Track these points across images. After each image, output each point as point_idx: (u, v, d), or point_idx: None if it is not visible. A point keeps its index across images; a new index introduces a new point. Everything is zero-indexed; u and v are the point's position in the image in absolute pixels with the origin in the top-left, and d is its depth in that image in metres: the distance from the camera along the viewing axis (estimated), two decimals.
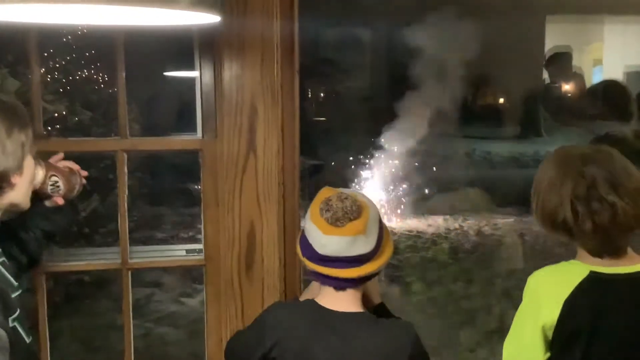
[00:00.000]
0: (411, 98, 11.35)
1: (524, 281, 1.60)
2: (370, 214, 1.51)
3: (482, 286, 6.68)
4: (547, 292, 1.52)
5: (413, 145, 11.62)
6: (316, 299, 1.60)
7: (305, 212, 1.60)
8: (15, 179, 1.36)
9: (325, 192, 1.56)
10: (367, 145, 11.74)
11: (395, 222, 10.46)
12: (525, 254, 7.76)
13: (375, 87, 13.25)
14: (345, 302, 1.56)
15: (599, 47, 10.52)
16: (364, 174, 11.67)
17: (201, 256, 2.07)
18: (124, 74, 2.01)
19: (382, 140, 11.60)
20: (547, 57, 7.84)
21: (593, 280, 1.50)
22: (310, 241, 1.53)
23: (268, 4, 1.96)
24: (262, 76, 1.99)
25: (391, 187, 11.64)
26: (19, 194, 1.39)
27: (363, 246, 1.50)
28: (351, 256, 1.50)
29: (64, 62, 4.82)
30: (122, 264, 2.02)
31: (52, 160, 1.67)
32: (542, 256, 7.57)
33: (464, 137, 12.35)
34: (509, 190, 11.36)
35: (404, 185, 11.75)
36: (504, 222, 9.67)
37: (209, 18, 0.84)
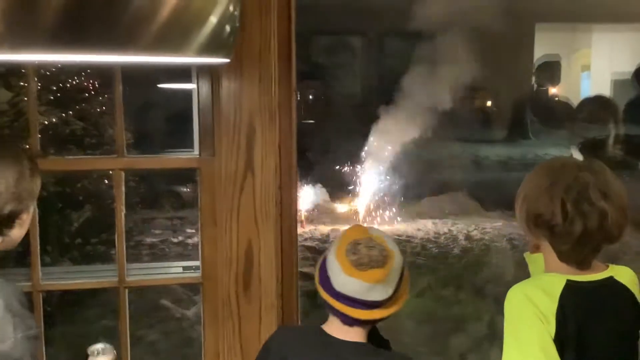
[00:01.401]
0: (401, 103, 11.40)
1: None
2: (394, 264, 1.53)
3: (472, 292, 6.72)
4: (540, 305, 1.52)
5: (402, 149, 11.67)
6: (324, 326, 1.63)
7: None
8: (24, 217, 1.40)
9: (354, 232, 1.57)
10: (357, 149, 11.77)
11: (384, 226, 10.51)
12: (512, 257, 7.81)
13: (366, 93, 13.28)
14: (350, 333, 1.59)
15: (587, 54, 10.61)
16: (353, 178, 11.69)
17: (198, 274, 2.07)
18: (120, 93, 2.01)
19: (371, 144, 11.63)
20: (536, 66, 7.94)
21: (571, 289, 1.53)
22: (330, 274, 1.56)
23: (266, 21, 1.96)
24: (260, 94, 1.99)
25: (380, 191, 11.67)
26: (22, 232, 1.43)
27: (379, 294, 1.53)
28: (366, 300, 1.53)
29: (54, 69, 4.78)
30: (119, 282, 2.02)
31: None
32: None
33: (454, 141, 12.41)
34: (497, 193, 11.42)
35: (393, 189, 11.78)
36: (493, 226, 9.73)
37: (218, 60, 0.85)
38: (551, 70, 7.37)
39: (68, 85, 4.92)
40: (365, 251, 1.51)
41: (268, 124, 2.00)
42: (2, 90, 3.92)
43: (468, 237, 8.96)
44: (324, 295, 1.57)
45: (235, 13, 0.86)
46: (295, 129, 2.07)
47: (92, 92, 5.02)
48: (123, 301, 2.03)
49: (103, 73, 4.63)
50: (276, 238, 2.03)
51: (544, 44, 10.53)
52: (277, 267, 2.04)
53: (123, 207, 2.02)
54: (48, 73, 4.72)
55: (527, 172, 1.68)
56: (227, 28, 0.84)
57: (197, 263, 2.13)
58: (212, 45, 0.82)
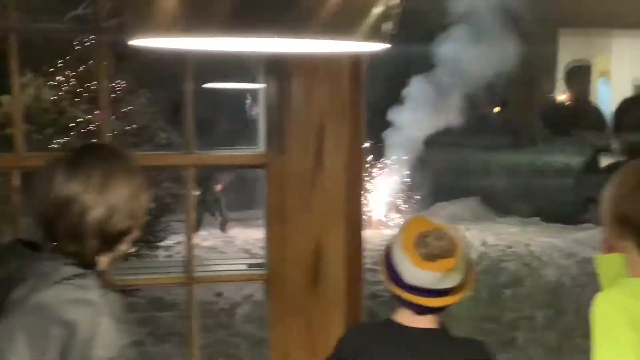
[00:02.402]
0: (412, 108, 11.38)
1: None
2: (461, 252, 1.55)
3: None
4: (634, 313, 1.49)
5: (413, 155, 11.66)
6: (394, 317, 1.62)
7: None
8: (134, 233, 1.39)
9: (419, 224, 1.57)
10: (367, 156, 11.73)
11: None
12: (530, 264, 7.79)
13: (378, 98, 13.25)
14: (423, 321, 1.60)
15: (604, 60, 10.60)
16: (365, 184, 11.67)
17: (265, 271, 2.06)
18: (191, 89, 2.00)
19: (382, 150, 11.62)
20: (566, 70, 7.94)
21: None
22: (399, 269, 1.56)
23: None
24: (330, 91, 1.99)
25: (390, 197, 11.65)
26: (129, 247, 1.42)
27: (450, 281, 1.54)
28: (438, 289, 1.54)
29: (89, 66, 4.74)
30: (187, 278, 2.01)
31: None
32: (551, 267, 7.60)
33: (464, 147, 12.39)
34: (511, 199, 11.40)
35: (404, 195, 11.76)
36: (508, 232, 9.72)
37: (378, 46, 0.84)
38: (581, 74, 7.39)
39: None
40: (436, 242, 1.52)
41: (339, 121, 2.00)
42: (45, 89, 3.93)
43: (484, 243, 8.94)
44: (394, 289, 1.57)
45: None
46: (365, 125, 2.06)
47: (130, 93, 4.99)
48: (190, 297, 2.02)
49: (141, 73, 4.64)
50: (345, 236, 2.02)
51: (563, 51, 10.50)
52: (345, 266, 2.03)
53: (192, 203, 2.01)
54: (82, 70, 4.71)
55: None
56: (390, 12, 0.84)
57: (262, 260, 2.12)
58: (377, 30, 0.81)
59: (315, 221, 2.01)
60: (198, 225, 11.18)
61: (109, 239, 1.33)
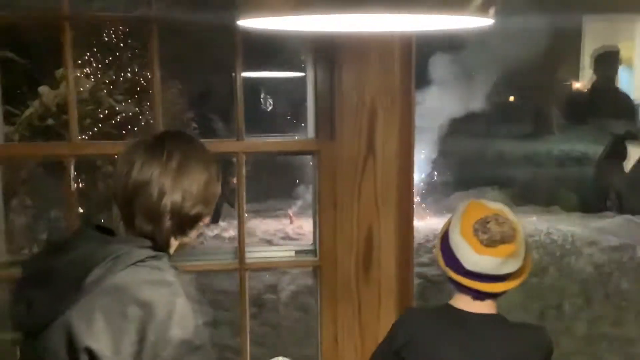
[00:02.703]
0: (429, 96, 11.31)
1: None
2: (521, 237, 1.54)
3: None
4: None
5: (431, 144, 11.59)
6: (452, 303, 1.62)
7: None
8: (205, 220, 1.40)
9: (478, 209, 1.55)
10: None
11: (416, 221, 10.45)
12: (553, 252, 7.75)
13: None
14: (481, 306, 1.60)
15: (627, 46, 10.45)
16: None
17: (315, 257, 2.06)
18: (241, 78, 2.00)
19: None
20: (595, 56, 7.84)
21: None
22: (458, 255, 1.55)
23: None
24: (381, 75, 1.98)
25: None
26: (197, 234, 1.43)
27: (511, 266, 1.53)
28: (499, 274, 1.53)
29: (130, 55, 4.76)
30: (239, 264, 2.01)
31: None
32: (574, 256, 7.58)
33: (481, 136, 12.32)
34: (527, 188, 11.34)
35: (420, 185, 11.72)
36: (528, 221, 9.65)
37: (484, 22, 0.83)
38: (610, 60, 7.32)
39: (143, 75, 4.86)
40: (497, 228, 1.50)
41: (390, 106, 1.99)
42: (83, 79, 3.95)
43: None
44: (454, 275, 1.56)
45: None
46: (414, 110, 2.05)
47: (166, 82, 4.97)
48: (244, 283, 2.03)
49: (172, 63, 4.62)
50: (396, 222, 2.02)
51: (589, 37, 10.33)
52: (397, 252, 2.03)
53: (244, 191, 2.01)
54: (112, 60, 4.71)
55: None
56: None
57: (310, 247, 2.12)
58: (487, 5, 0.81)
59: (366, 207, 2.01)
60: (217, 217, 11.23)
61: (183, 223, 1.36)
